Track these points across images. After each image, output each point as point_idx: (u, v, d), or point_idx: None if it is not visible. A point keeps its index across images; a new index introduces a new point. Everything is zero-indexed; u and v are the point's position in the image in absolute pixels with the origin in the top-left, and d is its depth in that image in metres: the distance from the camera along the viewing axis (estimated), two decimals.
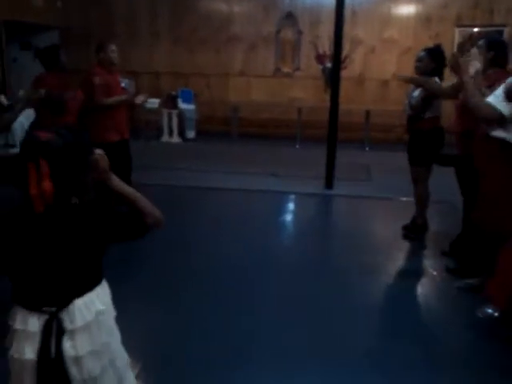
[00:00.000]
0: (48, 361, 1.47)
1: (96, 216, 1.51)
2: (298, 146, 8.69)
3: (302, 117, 8.78)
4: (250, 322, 2.93)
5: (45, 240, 1.44)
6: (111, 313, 1.65)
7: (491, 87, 3.01)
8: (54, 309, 1.48)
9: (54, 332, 1.47)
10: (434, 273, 3.66)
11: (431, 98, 4.03)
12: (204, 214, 5.06)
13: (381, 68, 9.00)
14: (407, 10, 8.94)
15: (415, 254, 4.16)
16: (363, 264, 3.84)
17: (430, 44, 9.07)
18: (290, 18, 9.09)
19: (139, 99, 4.97)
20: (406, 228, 4.47)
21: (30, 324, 1.48)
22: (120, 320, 1.69)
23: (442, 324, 3.01)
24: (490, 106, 2.82)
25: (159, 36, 9.50)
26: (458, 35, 8.72)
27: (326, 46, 8.37)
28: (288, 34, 9.22)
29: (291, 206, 5.75)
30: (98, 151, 1.53)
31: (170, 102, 9.10)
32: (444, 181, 4.12)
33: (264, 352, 2.64)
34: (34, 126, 4.04)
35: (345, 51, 7.00)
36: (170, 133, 9.13)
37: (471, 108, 2.98)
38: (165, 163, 7.07)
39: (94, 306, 1.53)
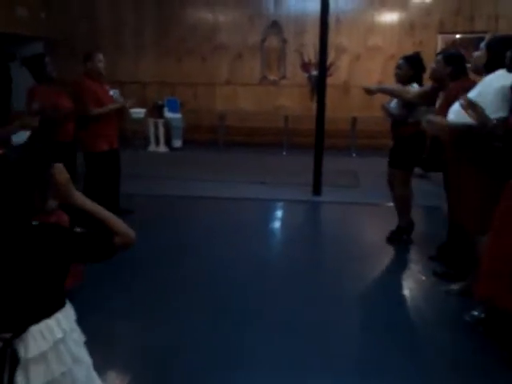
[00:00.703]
0: None
1: (54, 237, 1.42)
2: (285, 154, 8.72)
3: (288, 124, 8.82)
4: (242, 331, 2.92)
5: None
6: (77, 339, 1.55)
7: (455, 99, 3.04)
8: (8, 335, 1.39)
9: (7, 361, 1.38)
10: (423, 277, 3.67)
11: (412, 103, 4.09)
12: (193, 223, 5.04)
13: (366, 75, 9.07)
14: (391, 17, 9.06)
15: (403, 259, 4.18)
16: (352, 270, 3.86)
17: (414, 51, 9.23)
18: (275, 26, 9.16)
19: (129, 103, 5.00)
20: (392, 233, 4.50)
21: None
22: (109, 332, 1.67)
23: (431, 328, 3.03)
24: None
25: (145, 46, 9.50)
26: (440, 42, 8.85)
27: (311, 55, 8.44)
28: (273, 42, 9.28)
29: (280, 213, 5.76)
30: (57, 165, 1.44)
31: (156, 111, 9.09)
32: (433, 186, 4.15)
33: (258, 362, 2.63)
34: (34, 137, 3.98)
35: (330, 59, 7.06)
36: (157, 142, 9.11)
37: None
38: (152, 172, 7.04)
39: (52, 334, 1.43)
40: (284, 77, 9.34)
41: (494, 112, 2.72)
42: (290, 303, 3.29)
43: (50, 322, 1.44)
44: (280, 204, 5.85)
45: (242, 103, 9.43)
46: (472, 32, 8.61)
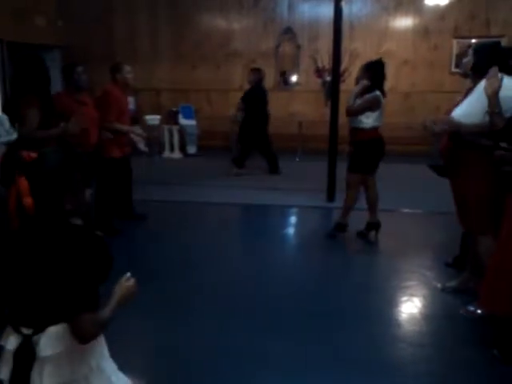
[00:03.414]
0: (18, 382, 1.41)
1: (86, 241, 1.42)
2: (298, 160, 8.71)
3: (302, 130, 8.82)
4: (255, 337, 2.92)
5: (26, 258, 1.40)
6: (94, 348, 1.52)
7: None
8: (30, 331, 1.43)
9: (25, 356, 1.42)
10: (438, 285, 3.63)
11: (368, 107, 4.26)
12: (208, 228, 5.05)
13: None
14: (405, 22, 9.03)
15: (419, 265, 4.14)
16: (369, 275, 3.84)
17: (429, 56, 9.18)
18: (288, 33, 9.19)
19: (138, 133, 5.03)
20: (360, 233, 4.66)
21: (9, 342, 1.45)
22: (126, 337, 1.68)
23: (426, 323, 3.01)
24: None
25: (160, 53, 9.59)
26: (456, 46, 8.79)
27: (324, 60, 8.44)
28: (287, 48, 9.31)
29: (294, 219, 5.75)
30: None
31: (171, 117, 9.16)
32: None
33: (271, 370, 2.63)
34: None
35: (343, 65, 7.05)
36: (172, 148, 9.17)
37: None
38: (166, 178, 7.09)
39: (68, 338, 1.42)
40: (297, 83, 9.35)
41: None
42: (306, 312, 3.28)
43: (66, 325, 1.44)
44: (294, 210, 5.84)
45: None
46: (488, 37, 8.54)
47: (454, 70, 8.80)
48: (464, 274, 3.46)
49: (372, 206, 4.61)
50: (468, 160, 3.05)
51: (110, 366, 1.60)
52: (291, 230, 5.32)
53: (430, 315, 3.28)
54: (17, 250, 1.43)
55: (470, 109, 3.02)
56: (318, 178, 6.16)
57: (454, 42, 8.80)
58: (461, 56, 8.53)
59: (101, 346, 1.58)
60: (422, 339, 2.97)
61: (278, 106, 9.32)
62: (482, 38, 8.60)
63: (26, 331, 1.44)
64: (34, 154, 1.40)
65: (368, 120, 4.31)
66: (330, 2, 6.10)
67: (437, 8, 8.65)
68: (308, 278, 3.85)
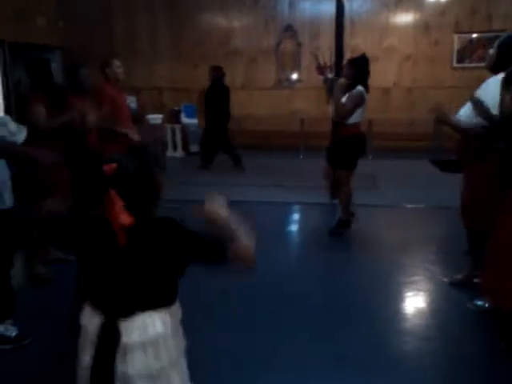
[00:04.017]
0: (101, 367, 1.44)
1: (171, 232, 1.48)
2: (301, 157, 8.72)
3: (304, 128, 8.82)
4: (257, 337, 2.93)
5: (121, 249, 1.44)
6: (176, 341, 1.55)
7: None
8: (114, 317, 1.45)
9: (111, 340, 1.43)
10: (444, 279, 3.64)
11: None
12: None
13: (382, 76, 9.04)
14: (406, 18, 9.02)
15: (424, 260, 4.14)
16: (373, 271, 3.85)
17: (430, 52, 9.17)
18: (289, 30, 9.19)
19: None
20: (335, 226, 4.70)
21: (92, 323, 1.48)
22: None
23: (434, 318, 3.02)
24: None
25: (160, 52, 9.61)
26: (457, 41, 8.79)
27: (326, 57, 8.43)
28: (288, 46, 9.31)
29: (297, 216, 5.76)
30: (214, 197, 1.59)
31: (173, 117, 9.18)
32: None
33: (273, 371, 2.64)
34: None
35: (345, 61, 7.05)
36: (174, 147, 9.19)
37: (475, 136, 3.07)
38: (170, 177, 7.08)
39: (154, 327, 1.46)
40: (299, 80, 9.35)
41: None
42: (304, 310, 3.29)
43: (155, 314, 1.47)
44: (297, 207, 5.85)
45: (257, 107, 9.47)
46: (489, 31, 8.53)
47: (455, 65, 8.81)
48: (469, 267, 3.47)
49: (342, 204, 4.65)
50: (477, 158, 3.08)
51: (185, 363, 1.62)
52: (294, 227, 5.33)
53: (435, 309, 3.29)
54: (119, 249, 1.45)
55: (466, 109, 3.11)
56: (322, 175, 6.16)
57: (456, 37, 8.79)
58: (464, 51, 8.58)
59: (182, 341, 1.60)
60: (427, 333, 2.98)
61: (279, 103, 9.34)
62: (483, 32, 8.61)
63: (110, 314, 1.46)
64: (113, 165, 1.40)
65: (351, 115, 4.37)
66: None
67: (437, 3, 8.65)
68: (311, 275, 3.86)
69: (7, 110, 7.77)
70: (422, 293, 3.54)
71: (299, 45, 9.21)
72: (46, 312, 3.18)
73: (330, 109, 4.62)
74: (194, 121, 9.19)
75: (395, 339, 2.90)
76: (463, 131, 3.13)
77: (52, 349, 2.75)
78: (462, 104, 3.28)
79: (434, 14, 8.77)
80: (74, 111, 3.75)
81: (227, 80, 9.42)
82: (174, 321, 1.55)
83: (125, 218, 1.39)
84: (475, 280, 3.33)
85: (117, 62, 4.64)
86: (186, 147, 9.26)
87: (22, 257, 3.77)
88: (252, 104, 9.50)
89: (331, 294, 3.50)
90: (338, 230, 4.67)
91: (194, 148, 9.29)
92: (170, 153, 9.14)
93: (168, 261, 1.47)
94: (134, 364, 1.43)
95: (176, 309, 1.57)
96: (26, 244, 3.72)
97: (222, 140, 7.72)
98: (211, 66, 7.99)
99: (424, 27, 8.90)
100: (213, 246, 1.49)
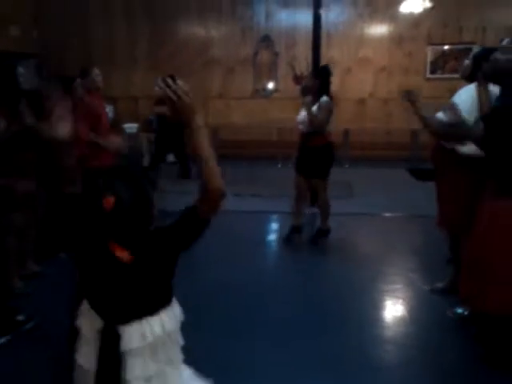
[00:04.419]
0: (103, 372, 1.45)
1: (164, 238, 1.49)
2: (279, 166, 8.75)
3: (282, 137, 8.87)
4: (237, 347, 2.92)
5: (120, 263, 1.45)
6: (174, 341, 1.58)
7: None
8: (113, 323, 1.46)
9: (108, 345, 1.45)
10: (425, 287, 3.68)
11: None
12: None
13: (358, 87, 9.19)
14: (380, 30, 9.19)
15: (403, 268, 4.19)
16: (354, 279, 3.88)
17: (404, 63, 9.32)
18: (266, 40, 9.26)
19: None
20: (315, 235, 4.74)
21: (91, 327, 1.49)
22: None
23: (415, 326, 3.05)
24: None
25: (137, 61, 9.56)
26: (430, 53, 8.99)
27: (302, 67, 8.50)
28: (265, 56, 9.37)
29: (276, 225, 5.77)
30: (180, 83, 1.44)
31: (149, 126, 9.10)
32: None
33: (258, 380, 2.63)
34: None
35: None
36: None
37: (433, 132, 3.18)
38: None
39: (153, 332, 1.47)
40: (276, 90, 9.41)
41: (469, 114, 2.91)
42: (286, 319, 3.29)
43: (153, 319, 1.49)
44: (275, 216, 5.86)
45: (234, 116, 9.49)
46: (460, 43, 8.75)
47: (428, 75, 9.00)
48: (451, 274, 3.50)
49: (323, 213, 4.70)
50: (451, 163, 3.16)
51: (183, 366, 1.65)
52: (273, 237, 5.33)
53: (416, 317, 3.33)
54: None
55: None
56: None
57: (429, 48, 8.99)
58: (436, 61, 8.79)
59: (179, 344, 1.61)
60: (406, 340, 3.01)
61: (256, 113, 9.38)
62: (454, 44, 8.83)
63: (108, 322, 1.47)
64: (111, 199, 1.39)
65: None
66: (307, 10, 6.19)
67: (411, 16, 8.83)
68: (291, 284, 3.86)
69: None
70: (401, 300, 3.59)
71: (276, 55, 9.29)
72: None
73: (299, 120, 4.67)
74: None
75: (374, 347, 2.92)
76: (425, 121, 3.16)
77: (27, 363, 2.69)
78: (435, 113, 3.37)
79: (408, 25, 8.96)
80: (25, 119, 3.44)
81: (204, 89, 9.45)
82: (173, 320, 1.56)
83: (126, 256, 1.43)
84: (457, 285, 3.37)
85: (96, 71, 4.60)
86: None
87: None
88: (229, 113, 9.52)
89: (310, 303, 3.51)
90: (317, 239, 4.70)
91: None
92: (146, 162, 9.04)
93: (165, 266, 1.51)
94: (133, 369, 1.45)
95: (173, 307, 1.58)
96: (1, 255, 3.64)
97: (178, 148, 7.72)
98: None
99: (398, 39, 9.08)
100: (185, 218, 1.49)
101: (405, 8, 8.50)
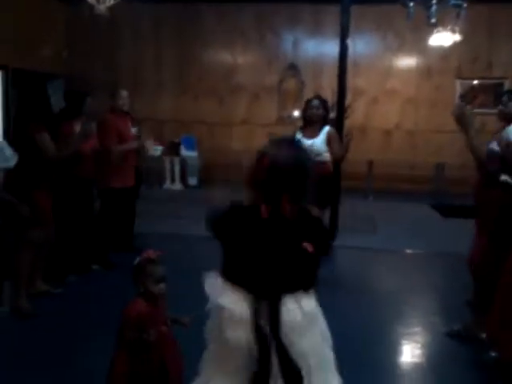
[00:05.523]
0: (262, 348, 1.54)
1: (316, 224, 1.69)
2: None
3: None
4: None
5: (271, 235, 1.61)
6: (321, 318, 1.71)
7: None
8: (265, 297, 1.57)
9: (264, 321, 1.54)
10: (443, 330, 3.50)
11: None
12: (205, 262, 4.92)
13: (383, 118, 9.08)
14: (408, 61, 9.12)
15: (423, 309, 4.00)
16: (371, 319, 3.71)
17: (432, 96, 9.20)
18: (292, 68, 9.26)
19: (148, 144, 5.07)
20: None
21: (241, 307, 1.59)
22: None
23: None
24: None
25: (164, 85, 9.65)
26: (459, 87, 8.86)
27: (328, 97, 8.46)
28: (290, 84, 9.37)
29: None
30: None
31: (173, 149, 9.15)
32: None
33: None
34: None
35: (347, 101, 7.06)
36: (173, 179, 9.12)
37: (475, 158, 3.00)
38: (166, 210, 6.99)
39: (302, 307, 1.60)
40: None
41: None
42: None
43: (303, 296, 1.63)
44: None
45: (258, 143, 9.43)
46: (490, 78, 8.61)
47: None
48: (469, 318, 3.31)
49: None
50: (495, 206, 2.96)
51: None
52: None
53: (435, 363, 3.13)
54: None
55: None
56: None
57: (457, 82, 8.87)
58: (464, 97, 8.64)
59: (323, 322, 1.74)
60: None
61: None
62: (484, 79, 8.69)
63: (261, 298, 1.58)
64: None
65: (328, 153, 4.46)
66: (335, 39, 6.16)
67: (440, 49, 8.74)
68: None
69: (6, 135, 7.72)
70: (419, 345, 3.39)
71: (302, 83, 9.27)
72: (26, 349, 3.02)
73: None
74: (194, 153, 9.16)
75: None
76: (473, 148, 2.96)
77: None
78: (463, 149, 3.24)
79: (437, 58, 8.86)
80: (72, 139, 3.83)
81: (229, 115, 9.47)
82: (313, 304, 1.69)
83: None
84: (477, 332, 3.19)
85: (122, 93, 4.71)
86: (183, 180, 9.19)
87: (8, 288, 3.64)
88: (253, 139, 9.49)
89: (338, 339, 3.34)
90: None
91: (192, 181, 9.23)
92: (167, 185, 9.06)
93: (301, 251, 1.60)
94: (291, 344, 1.54)
95: (312, 295, 1.70)
96: (11, 274, 3.59)
97: None
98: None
99: (426, 71, 8.98)
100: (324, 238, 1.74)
101: (434, 41, 8.43)
